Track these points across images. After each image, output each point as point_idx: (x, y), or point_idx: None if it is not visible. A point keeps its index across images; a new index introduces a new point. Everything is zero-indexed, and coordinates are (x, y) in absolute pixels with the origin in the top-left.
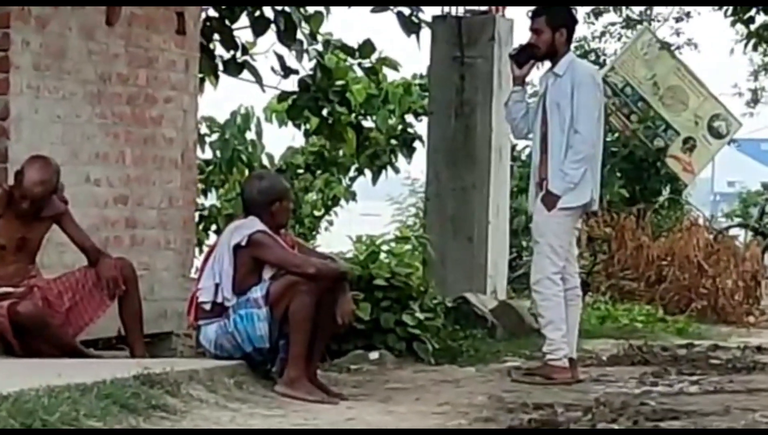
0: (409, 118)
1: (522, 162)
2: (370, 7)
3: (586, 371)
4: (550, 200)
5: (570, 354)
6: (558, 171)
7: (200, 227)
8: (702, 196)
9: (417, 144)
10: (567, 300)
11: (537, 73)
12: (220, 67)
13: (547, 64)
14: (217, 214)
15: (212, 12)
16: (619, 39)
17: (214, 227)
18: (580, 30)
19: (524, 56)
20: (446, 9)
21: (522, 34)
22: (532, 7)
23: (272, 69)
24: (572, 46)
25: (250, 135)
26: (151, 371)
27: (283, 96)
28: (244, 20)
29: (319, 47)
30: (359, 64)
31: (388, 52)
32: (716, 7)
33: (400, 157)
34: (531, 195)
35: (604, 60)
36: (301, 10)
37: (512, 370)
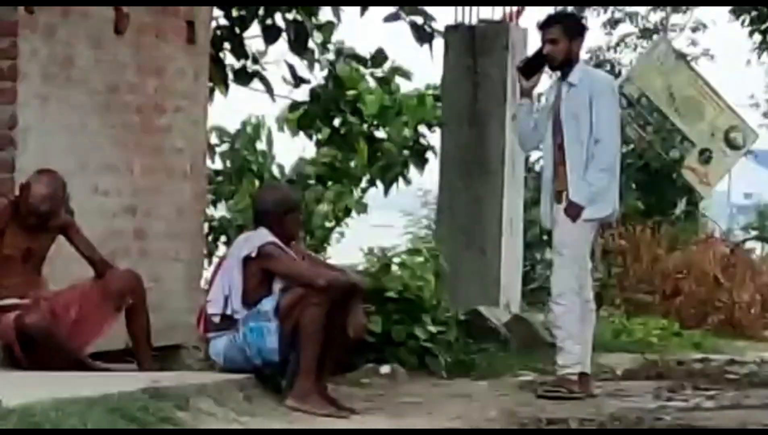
0: (422, 128)
1: (536, 173)
2: (382, 17)
3: (600, 386)
4: (573, 211)
5: (584, 368)
6: (580, 181)
7: (210, 238)
8: (718, 209)
9: (429, 155)
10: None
11: (544, 82)
12: (231, 76)
13: (550, 71)
14: (227, 225)
15: (223, 21)
16: (635, 49)
17: (224, 238)
18: (597, 40)
19: (531, 67)
20: (459, 18)
21: (536, 44)
22: (545, 16)
23: (283, 78)
24: (587, 55)
25: (261, 145)
26: (159, 384)
27: (294, 106)
28: (254, 29)
29: (331, 56)
30: (371, 74)
31: (400, 62)
32: (733, 17)
33: (412, 169)
34: (545, 209)
35: (620, 70)
36: (313, 18)
37: (538, 387)
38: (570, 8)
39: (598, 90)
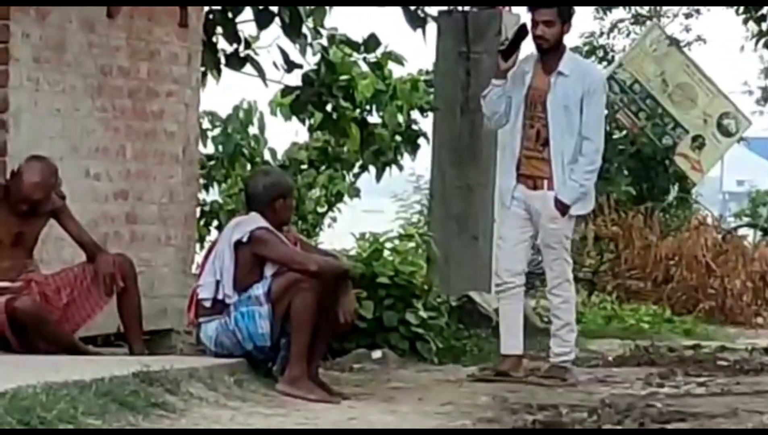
0: (414, 114)
1: None
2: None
3: (591, 372)
4: (561, 208)
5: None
6: (568, 179)
7: (201, 223)
8: (711, 195)
9: (422, 141)
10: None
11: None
12: (223, 60)
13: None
14: (219, 210)
15: (215, 5)
16: (627, 35)
17: (215, 223)
18: (589, 25)
19: (511, 49)
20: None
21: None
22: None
23: (274, 64)
24: (581, 41)
25: (253, 130)
26: (150, 369)
27: (286, 91)
28: (247, 13)
29: (324, 41)
30: (364, 59)
31: (393, 47)
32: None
33: (405, 154)
34: (506, 186)
35: (613, 56)
36: None
37: (529, 372)
38: None
39: (592, 88)
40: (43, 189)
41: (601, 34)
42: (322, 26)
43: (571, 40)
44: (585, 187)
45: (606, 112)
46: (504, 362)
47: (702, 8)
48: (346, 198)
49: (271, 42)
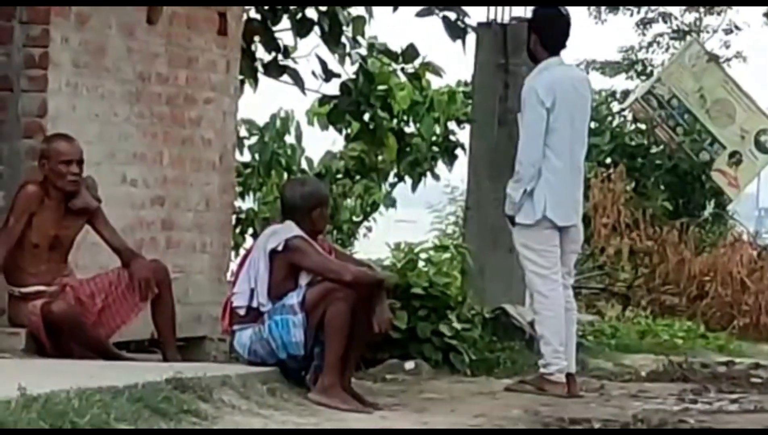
0: (452, 125)
1: None
2: (414, 11)
3: (624, 387)
4: (509, 218)
5: (568, 368)
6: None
7: (237, 230)
8: (747, 212)
9: (458, 152)
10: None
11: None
12: (261, 69)
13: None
14: (255, 218)
15: (254, 13)
16: (666, 50)
17: (251, 231)
18: (629, 39)
19: None
20: (491, 15)
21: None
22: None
23: (313, 73)
24: (620, 55)
25: (290, 138)
26: (183, 376)
27: (324, 100)
28: (286, 22)
29: (363, 51)
30: (402, 69)
31: (432, 58)
32: (767, 21)
33: (441, 165)
34: None
35: (652, 71)
36: (345, 12)
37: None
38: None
39: (522, 97)
40: (78, 146)
41: (640, 48)
42: (362, 35)
43: (609, 53)
44: (510, 197)
45: (644, 127)
46: None
47: (742, 24)
48: (381, 208)
49: (309, 51)
